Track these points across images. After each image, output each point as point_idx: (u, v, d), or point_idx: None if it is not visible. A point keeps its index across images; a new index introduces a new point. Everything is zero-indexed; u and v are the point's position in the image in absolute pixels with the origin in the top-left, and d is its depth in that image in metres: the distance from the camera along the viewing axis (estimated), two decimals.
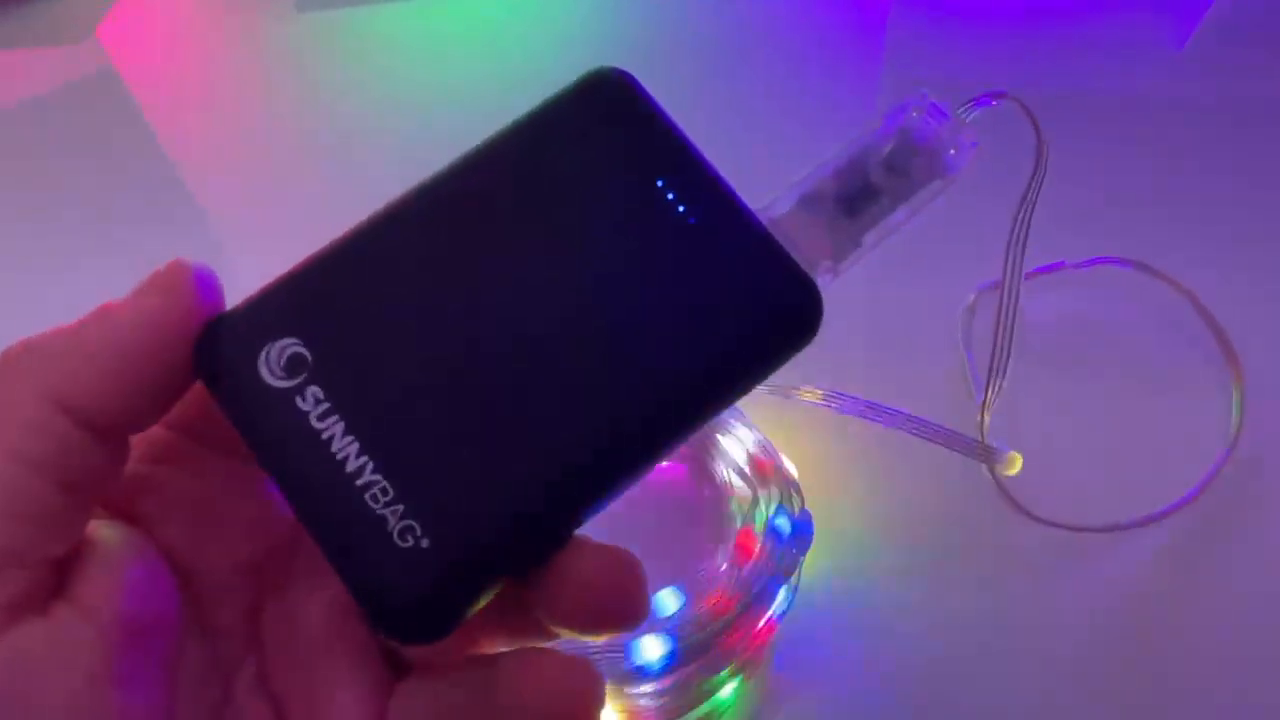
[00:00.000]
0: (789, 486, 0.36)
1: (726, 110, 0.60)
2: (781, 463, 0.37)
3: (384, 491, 0.17)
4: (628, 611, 0.17)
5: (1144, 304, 0.46)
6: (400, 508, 0.16)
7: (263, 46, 0.68)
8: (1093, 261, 0.45)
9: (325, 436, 0.17)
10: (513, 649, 0.18)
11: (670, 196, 0.19)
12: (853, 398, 0.35)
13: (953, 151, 0.21)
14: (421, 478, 0.17)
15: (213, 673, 0.18)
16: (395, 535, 0.16)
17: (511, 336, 0.18)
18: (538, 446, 0.17)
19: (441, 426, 0.17)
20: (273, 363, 0.17)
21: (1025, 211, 0.32)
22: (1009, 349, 0.33)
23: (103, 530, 0.17)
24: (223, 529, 0.19)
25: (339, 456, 0.17)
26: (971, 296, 0.45)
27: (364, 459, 0.17)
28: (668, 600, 0.34)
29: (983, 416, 0.34)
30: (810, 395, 0.36)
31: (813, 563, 0.36)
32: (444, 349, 0.18)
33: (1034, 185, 0.31)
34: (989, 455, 0.35)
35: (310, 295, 0.18)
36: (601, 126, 0.19)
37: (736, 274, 0.18)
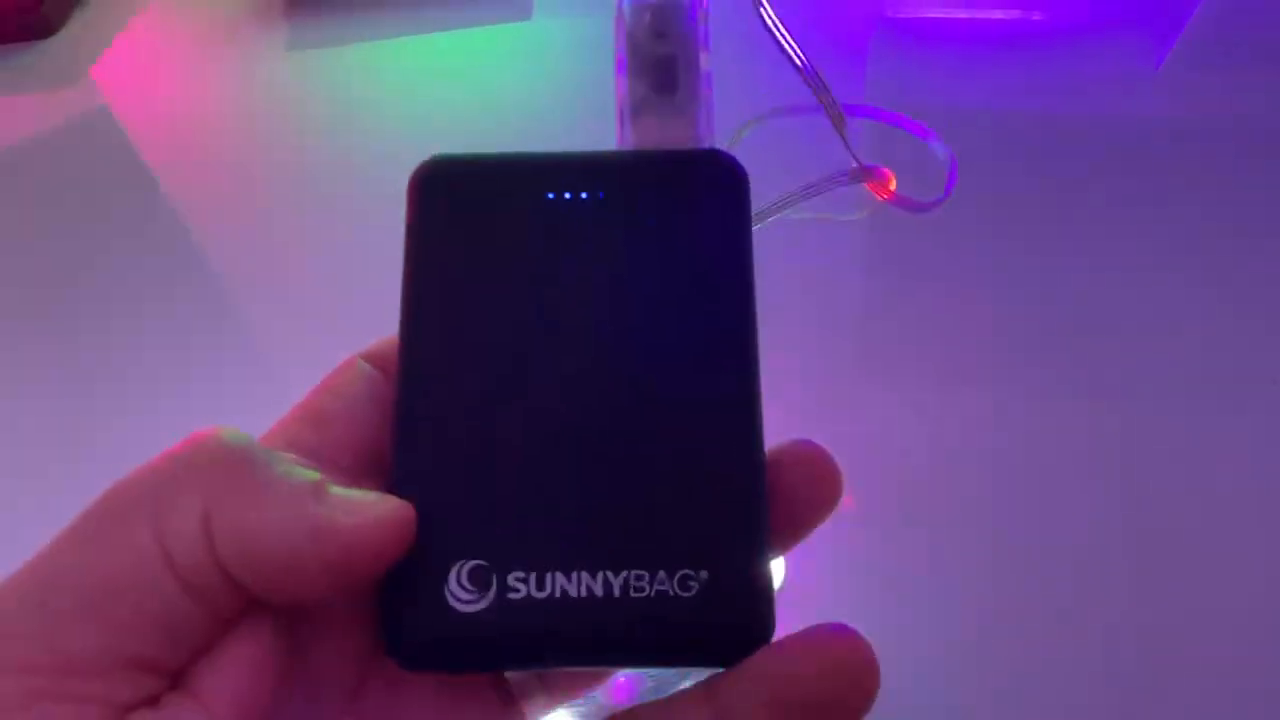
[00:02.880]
0: None
1: None
2: None
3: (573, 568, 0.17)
4: None
5: None
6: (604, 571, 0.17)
7: (256, 84, 0.69)
8: None
9: (520, 598, 0.17)
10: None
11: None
12: None
13: None
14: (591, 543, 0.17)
15: None
16: (678, 584, 0.17)
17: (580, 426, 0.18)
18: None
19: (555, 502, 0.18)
20: (460, 598, 0.17)
21: None
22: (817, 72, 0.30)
23: None
24: (336, 626, 0.18)
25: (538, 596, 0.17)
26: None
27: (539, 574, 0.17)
28: None
29: (845, 143, 0.32)
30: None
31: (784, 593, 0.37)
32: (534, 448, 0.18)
33: None
34: (869, 175, 0.33)
35: (447, 513, 0.18)
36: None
37: (693, 245, 0.19)
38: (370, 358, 0.20)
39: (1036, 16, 0.66)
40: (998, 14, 0.66)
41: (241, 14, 0.73)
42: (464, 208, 0.19)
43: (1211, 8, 0.62)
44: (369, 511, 0.16)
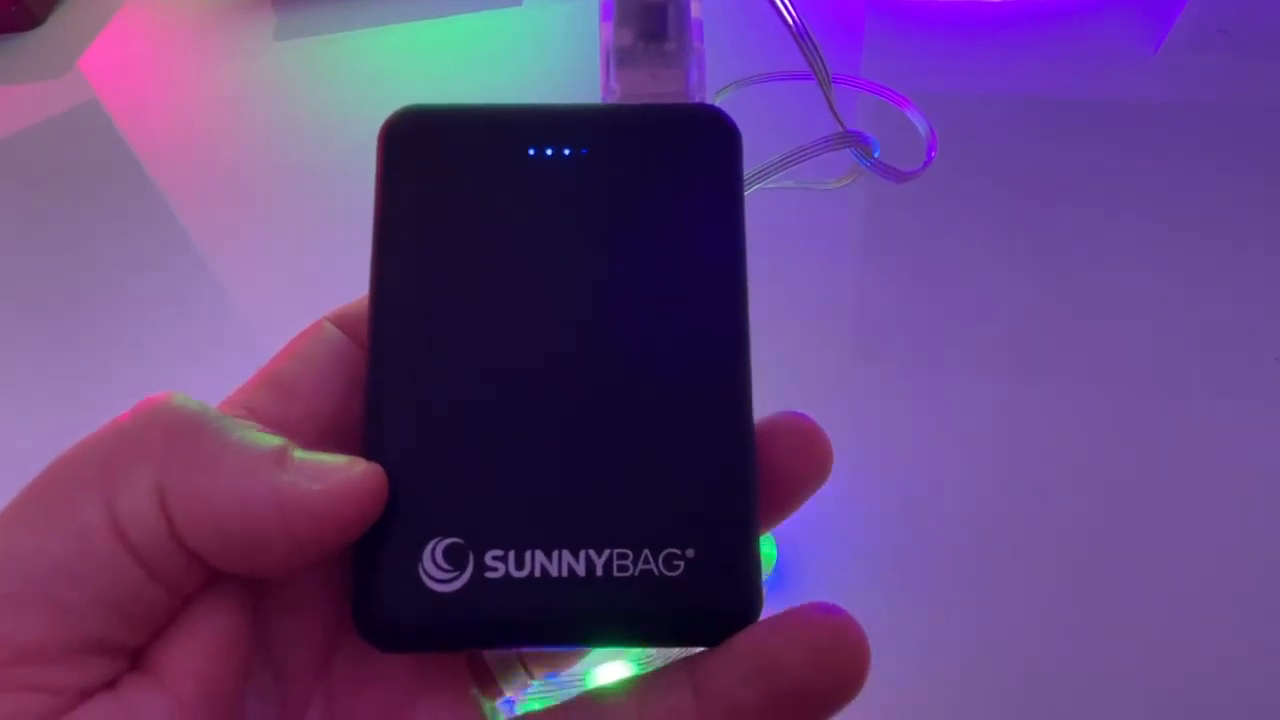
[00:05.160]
0: None
1: None
2: None
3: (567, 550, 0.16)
4: None
5: None
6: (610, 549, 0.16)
7: (244, 73, 0.69)
8: None
9: (498, 577, 0.16)
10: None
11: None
12: None
13: None
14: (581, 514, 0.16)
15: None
16: (663, 563, 0.16)
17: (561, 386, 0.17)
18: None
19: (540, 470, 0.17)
20: (435, 577, 0.16)
21: None
22: (808, 33, 0.29)
23: None
24: (301, 599, 0.18)
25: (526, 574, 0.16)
26: None
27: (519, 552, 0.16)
28: None
29: (831, 108, 0.30)
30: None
31: (779, 585, 0.36)
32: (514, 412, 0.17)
33: None
34: (854, 141, 0.31)
35: (422, 491, 0.17)
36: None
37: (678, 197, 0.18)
38: (339, 320, 0.18)
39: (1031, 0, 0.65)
40: None
41: (229, 3, 0.72)
42: (438, 163, 0.18)
43: None
44: (337, 476, 0.15)
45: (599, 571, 0.16)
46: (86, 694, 0.14)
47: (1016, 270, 0.50)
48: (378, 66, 0.67)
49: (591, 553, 0.16)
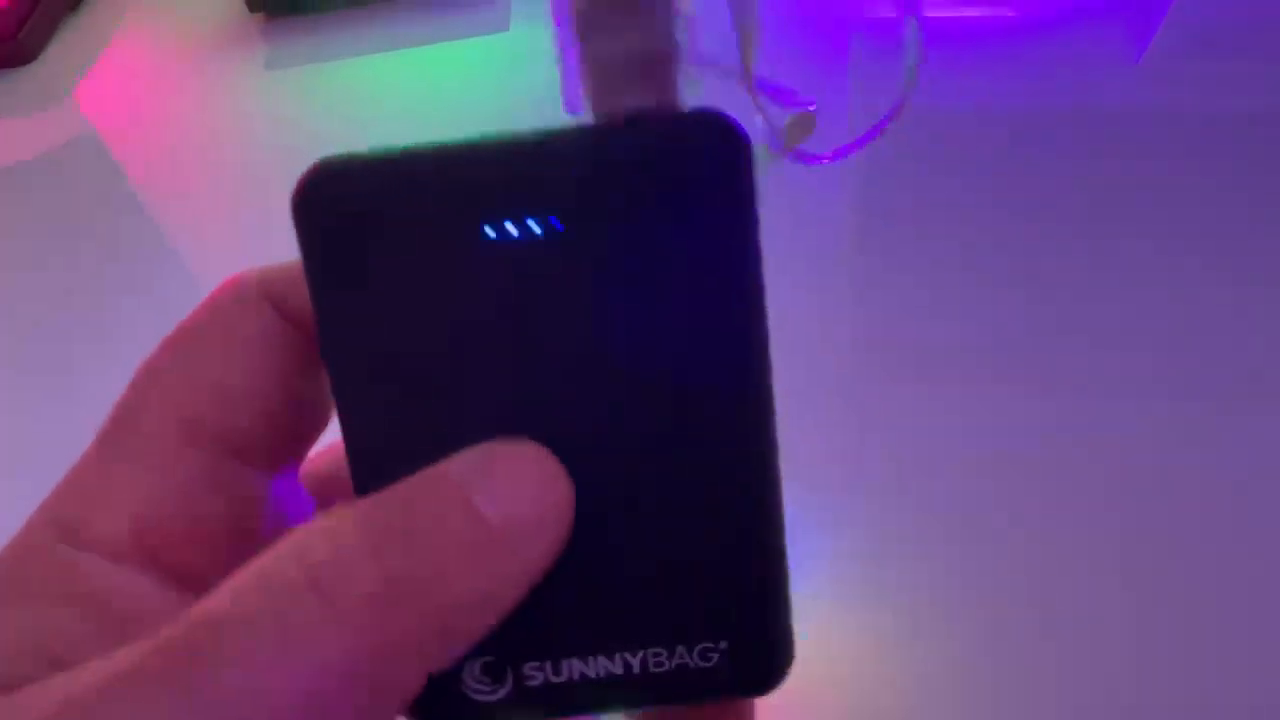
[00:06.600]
0: None
1: None
2: None
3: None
4: None
5: None
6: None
7: (236, 102, 0.69)
8: None
9: (538, 685, 0.17)
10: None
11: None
12: None
13: None
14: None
15: None
16: (698, 656, 0.17)
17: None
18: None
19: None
20: (478, 690, 0.17)
21: None
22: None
23: None
24: None
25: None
26: None
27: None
28: None
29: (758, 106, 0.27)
30: None
31: None
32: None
33: None
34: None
35: None
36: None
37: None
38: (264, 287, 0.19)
39: (1010, 13, 0.66)
40: (971, 11, 0.66)
41: (218, 35, 0.73)
42: (370, 242, 0.17)
43: None
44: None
45: (635, 669, 0.17)
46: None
47: (1003, 283, 0.50)
48: (368, 93, 0.67)
49: (627, 655, 0.17)
